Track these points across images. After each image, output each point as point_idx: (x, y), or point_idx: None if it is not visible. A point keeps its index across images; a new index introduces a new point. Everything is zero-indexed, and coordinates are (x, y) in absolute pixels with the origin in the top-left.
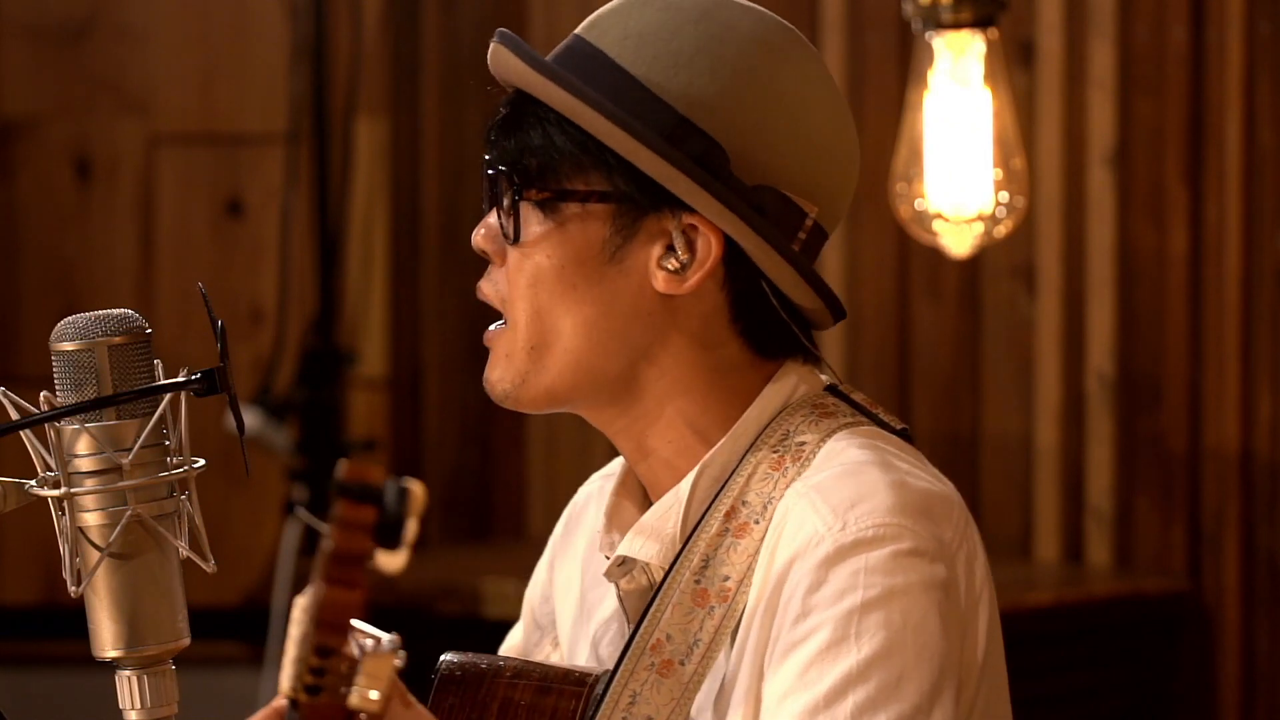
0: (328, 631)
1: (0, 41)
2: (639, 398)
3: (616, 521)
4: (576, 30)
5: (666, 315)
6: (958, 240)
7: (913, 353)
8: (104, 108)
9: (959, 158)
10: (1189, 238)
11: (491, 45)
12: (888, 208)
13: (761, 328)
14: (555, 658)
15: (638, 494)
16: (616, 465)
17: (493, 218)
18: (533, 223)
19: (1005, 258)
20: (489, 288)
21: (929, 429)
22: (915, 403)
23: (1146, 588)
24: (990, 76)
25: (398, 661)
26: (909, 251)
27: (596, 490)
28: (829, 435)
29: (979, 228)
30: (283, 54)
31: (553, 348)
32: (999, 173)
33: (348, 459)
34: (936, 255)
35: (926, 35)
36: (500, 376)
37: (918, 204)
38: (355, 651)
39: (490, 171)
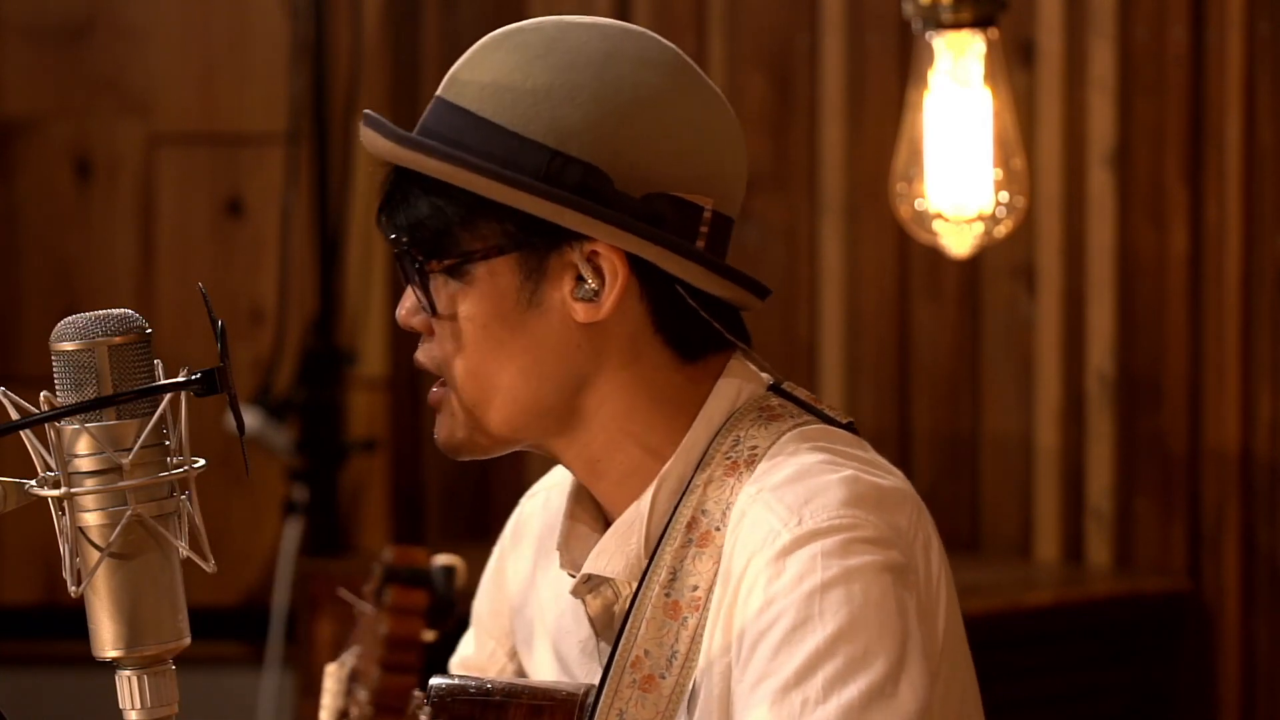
0: (388, 716)
1: (0, 41)
2: (585, 425)
3: (575, 542)
4: (438, 91)
5: (595, 343)
6: (958, 240)
7: (913, 353)
8: (104, 108)
9: (959, 158)
10: (1189, 238)
11: (360, 129)
12: (888, 208)
13: (686, 331)
14: (510, 670)
15: (592, 514)
16: (558, 475)
17: (410, 294)
18: (445, 291)
19: (1005, 258)
20: (424, 356)
21: (929, 429)
22: (915, 403)
23: (1146, 588)
24: (990, 76)
25: None
26: (909, 251)
27: (542, 502)
28: (779, 437)
29: (979, 228)
30: (283, 54)
31: (492, 401)
32: (999, 173)
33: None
34: (936, 255)
35: (926, 35)
36: (449, 434)
37: (918, 204)
38: None
39: (395, 251)
